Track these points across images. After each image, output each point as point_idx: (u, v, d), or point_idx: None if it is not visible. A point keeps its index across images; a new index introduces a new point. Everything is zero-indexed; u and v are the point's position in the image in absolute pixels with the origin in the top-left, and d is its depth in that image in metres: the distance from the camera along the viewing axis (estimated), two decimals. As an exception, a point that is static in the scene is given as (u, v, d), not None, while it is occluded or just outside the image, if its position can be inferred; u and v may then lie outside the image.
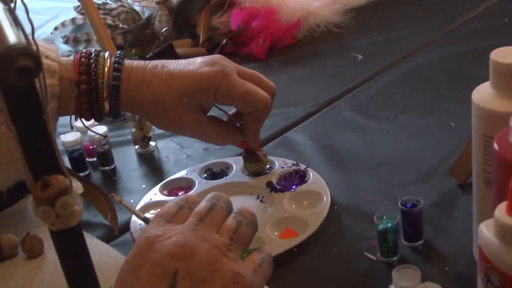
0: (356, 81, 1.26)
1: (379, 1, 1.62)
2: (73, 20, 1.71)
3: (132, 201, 0.98)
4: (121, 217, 0.92)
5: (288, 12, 1.49)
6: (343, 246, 0.83)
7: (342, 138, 1.07)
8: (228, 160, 1.02)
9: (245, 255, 0.59)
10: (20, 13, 0.43)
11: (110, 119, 0.93)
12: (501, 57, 0.65)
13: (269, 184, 0.94)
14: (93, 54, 0.86)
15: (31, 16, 0.44)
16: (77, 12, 1.70)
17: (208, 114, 0.89)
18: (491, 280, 0.56)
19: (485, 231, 0.56)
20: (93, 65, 0.85)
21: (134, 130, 1.11)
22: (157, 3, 1.54)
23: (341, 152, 1.04)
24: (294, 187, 0.93)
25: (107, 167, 1.09)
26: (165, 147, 1.14)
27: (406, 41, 1.41)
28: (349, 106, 1.18)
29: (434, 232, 0.82)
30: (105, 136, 1.06)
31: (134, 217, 0.90)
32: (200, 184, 0.97)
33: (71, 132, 1.06)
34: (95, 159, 1.10)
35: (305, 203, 0.90)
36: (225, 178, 0.98)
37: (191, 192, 0.95)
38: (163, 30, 1.50)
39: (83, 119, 0.88)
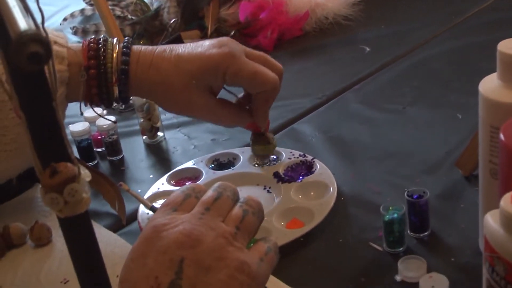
0: (364, 73, 1.26)
1: (387, -7, 1.62)
2: (82, 11, 1.72)
3: (139, 190, 0.98)
4: (129, 207, 0.92)
5: (296, 4, 1.49)
6: (349, 237, 0.83)
7: (349, 130, 1.08)
8: (235, 150, 1.03)
9: (251, 244, 0.60)
10: (30, 3, 0.43)
11: (119, 105, 0.94)
12: (508, 48, 0.65)
13: (276, 175, 0.94)
14: (101, 39, 0.87)
15: (41, 6, 0.44)
16: (86, 3, 1.71)
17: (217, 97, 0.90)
18: (496, 270, 0.56)
19: (491, 221, 0.56)
20: (102, 49, 0.86)
21: (142, 121, 1.12)
22: (165, -6, 1.54)
23: (348, 143, 1.04)
24: (301, 177, 0.93)
25: (115, 157, 1.09)
26: (173, 137, 1.14)
27: (414, 34, 1.41)
28: (356, 98, 1.19)
29: (440, 223, 0.82)
30: (115, 122, 1.06)
31: (141, 207, 0.91)
32: (207, 174, 0.98)
33: (80, 122, 1.06)
34: (103, 149, 1.10)
35: (312, 193, 0.90)
36: (232, 168, 0.99)
37: (198, 182, 0.96)
38: (172, 22, 1.50)
39: (93, 105, 0.89)
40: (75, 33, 1.61)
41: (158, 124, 1.13)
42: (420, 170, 0.94)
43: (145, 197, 0.94)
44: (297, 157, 0.98)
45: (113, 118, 1.07)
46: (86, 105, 0.89)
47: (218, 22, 1.52)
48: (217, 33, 1.51)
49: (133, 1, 1.57)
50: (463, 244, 0.79)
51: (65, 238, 0.52)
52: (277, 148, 0.98)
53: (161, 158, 1.09)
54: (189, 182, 0.97)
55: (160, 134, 1.14)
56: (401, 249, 0.79)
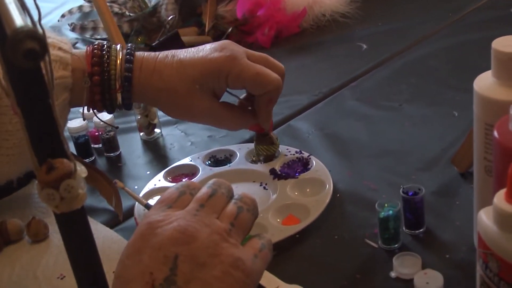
0: (361, 70, 1.27)
1: (385, -10, 1.63)
2: (80, 7, 1.72)
3: (136, 187, 0.98)
4: (125, 203, 0.93)
5: (293, 1, 1.50)
6: (345, 233, 0.83)
7: (346, 127, 1.08)
8: (232, 147, 1.03)
9: (246, 241, 0.60)
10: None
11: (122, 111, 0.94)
12: (503, 46, 0.65)
13: (272, 171, 0.95)
14: (105, 46, 0.87)
15: (38, 3, 0.44)
16: (84, -1, 1.71)
17: (220, 101, 0.90)
18: (490, 266, 0.57)
19: (484, 218, 0.56)
20: (106, 56, 0.86)
21: (139, 117, 1.12)
22: (163, -9, 1.54)
23: (344, 140, 1.04)
24: (297, 174, 0.94)
25: (112, 154, 1.10)
26: (170, 134, 1.14)
27: (411, 31, 1.41)
28: (353, 95, 1.19)
29: (435, 220, 0.83)
30: (117, 128, 1.07)
31: (137, 203, 0.91)
32: (204, 171, 0.98)
33: (77, 118, 1.07)
34: (100, 145, 1.11)
35: (308, 190, 0.91)
36: (228, 165, 0.99)
37: (194, 179, 0.96)
38: (169, 18, 1.50)
39: (95, 111, 0.89)
40: (73, 30, 1.61)
41: (155, 121, 1.13)
42: (416, 167, 0.94)
43: (142, 193, 0.94)
44: (294, 154, 0.98)
45: (109, 116, 1.07)
46: (88, 111, 0.89)
47: (216, 19, 1.53)
48: (214, 30, 1.51)
49: (131, -3, 1.57)
50: (458, 241, 0.79)
51: (61, 234, 0.53)
52: (274, 145, 0.99)
53: (158, 155, 1.09)
54: (186, 179, 0.98)
55: (157, 130, 1.14)
56: (396, 245, 0.79)
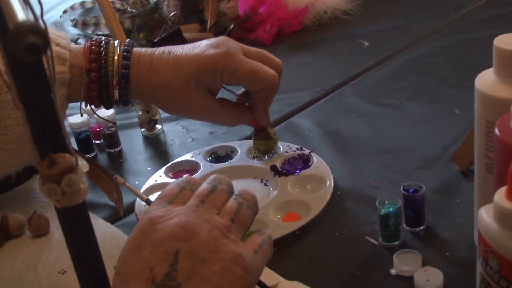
0: (362, 68, 1.27)
1: (387, -12, 1.62)
2: (82, 3, 1.72)
3: (137, 183, 0.99)
4: (126, 198, 0.93)
5: (295, -1, 1.50)
6: (345, 230, 0.83)
7: (347, 124, 1.08)
8: (233, 143, 1.03)
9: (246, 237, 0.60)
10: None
11: (119, 106, 0.94)
12: (504, 43, 0.65)
13: (273, 168, 0.95)
14: (103, 42, 0.87)
15: (40, -2, 0.45)
16: (86, -5, 1.71)
17: (216, 97, 0.90)
18: (490, 264, 0.57)
19: (485, 215, 0.57)
20: (103, 53, 0.86)
21: (140, 113, 1.12)
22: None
23: (345, 137, 1.04)
24: (297, 171, 0.94)
25: (113, 149, 1.10)
26: (171, 130, 1.14)
27: (412, 29, 1.41)
28: (354, 92, 1.19)
29: (436, 218, 0.83)
30: (114, 123, 1.07)
31: (138, 199, 0.91)
32: (205, 167, 0.98)
33: (78, 113, 1.07)
34: (101, 141, 1.11)
35: (309, 187, 0.91)
36: (229, 161, 0.99)
37: (195, 175, 0.96)
38: (171, 15, 1.50)
39: (92, 106, 0.89)
40: (75, 26, 1.61)
41: (157, 117, 1.13)
42: (416, 164, 0.94)
43: (143, 189, 0.95)
44: (295, 151, 0.98)
45: (111, 111, 1.07)
46: (86, 106, 0.89)
47: (218, 16, 1.53)
48: (216, 27, 1.51)
49: (133, -7, 1.57)
50: (458, 239, 0.79)
51: (62, 229, 0.53)
52: (275, 142, 0.99)
53: (159, 151, 1.10)
54: (187, 175, 0.98)
55: (158, 126, 1.14)
56: (396, 243, 0.79)
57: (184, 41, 1.44)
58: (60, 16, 1.71)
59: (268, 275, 0.74)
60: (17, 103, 0.46)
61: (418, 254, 0.75)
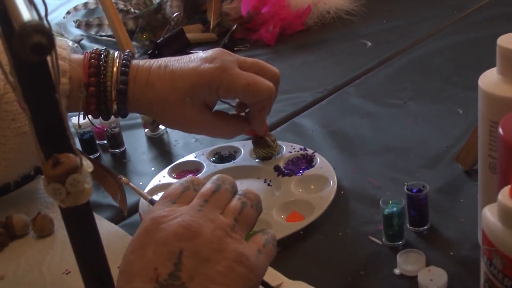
0: (365, 68, 1.27)
1: (389, -12, 1.63)
2: (85, 4, 1.72)
3: (141, 183, 0.99)
4: (130, 199, 0.93)
5: (298, -1, 1.50)
6: (349, 230, 0.83)
7: (350, 124, 1.08)
8: (236, 144, 1.03)
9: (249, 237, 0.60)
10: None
11: (118, 119, 0.95)
12: (508, 43, 0.65)
13: (277, 168, 0.95)
14: (102, 55, 0.87)
15: (44, -1, 0.45)
16: (89, -4, 1.71)
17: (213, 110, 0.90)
18: (494, 263, 0.57)
19: (489, 214, 0.56)
20: (103, 67, 0.86)
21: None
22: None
23: (348, 137, 1.04)
24: (301, 171, 0.94)
25: (117, 150, 1.10)
26: (174, 130, 1.14)
27: (415, 29, 1.41)
28: (357, 92, 1.19)
29: (439, 217, 0.83)
30: (115, 127, 1.08)
31: (142, 199, 0.91)
32: (208, 167, 0.98)
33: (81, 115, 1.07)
34: (105, 141, 1.11)
35: (312, 187, 0.91)
36: (233, 161, 0.99)
37: (199, 175, 0.96)
38: (174, 15, 1.50)
39: (90, 117, 0.90)
40: (78, 27, 1.61)
41: (160, 117, 1.13)
42: (420, 164, 0.94)
43: (147, 189, 0.95)
44: (298, 151, 0.98)
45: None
46: (84, 118, 0.90)
47: (220, 16, 1.53)
48: (219, 27, 1.52)
49: (136, -6, 1.57)
50: (462, 238, 0.79)
51: (66, 229, 0.53)
52: (278, 142, 0.98)
53: (162, 151, 1.10)
54: (190, 175, 0.98)
55: (161, 127, 1.14)
56: (400, 242, 0.79)
57: (187, 41, 1.44)
58: (64, 17, 1.71)
59: (272, 275, 0.74)
60: (21, 103, 0.46)
61: (421, 253, 0.75)
